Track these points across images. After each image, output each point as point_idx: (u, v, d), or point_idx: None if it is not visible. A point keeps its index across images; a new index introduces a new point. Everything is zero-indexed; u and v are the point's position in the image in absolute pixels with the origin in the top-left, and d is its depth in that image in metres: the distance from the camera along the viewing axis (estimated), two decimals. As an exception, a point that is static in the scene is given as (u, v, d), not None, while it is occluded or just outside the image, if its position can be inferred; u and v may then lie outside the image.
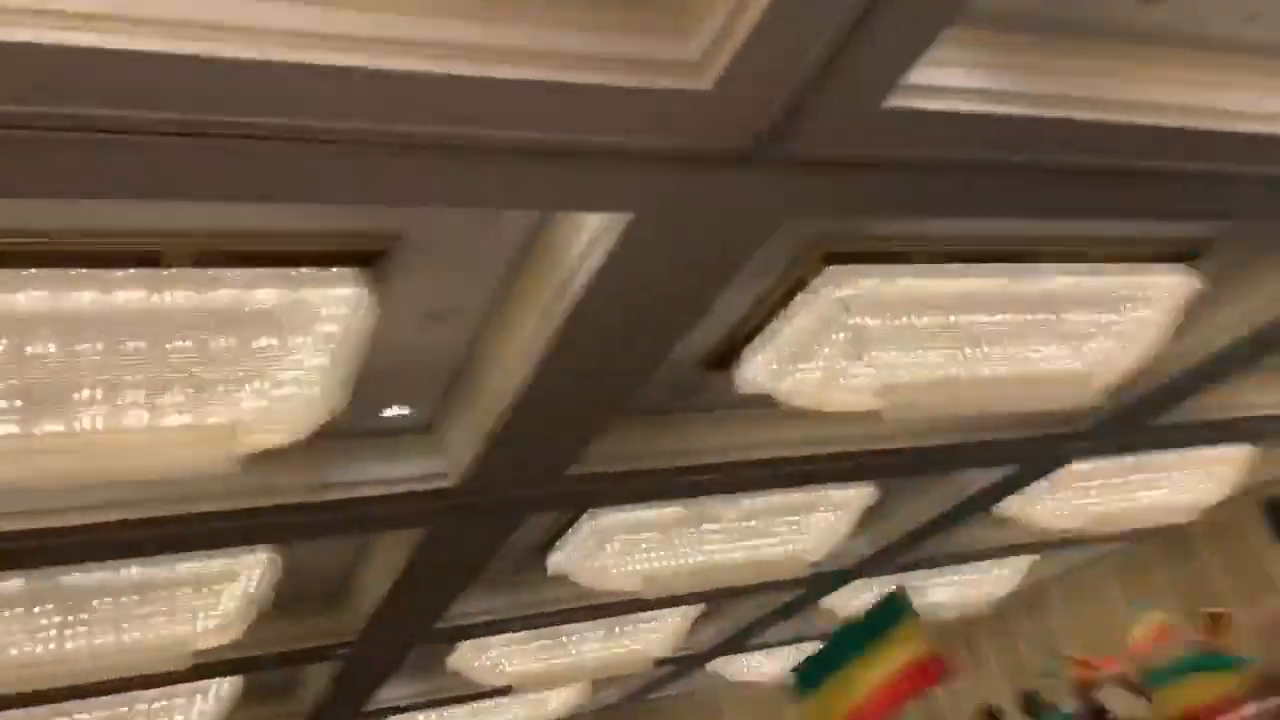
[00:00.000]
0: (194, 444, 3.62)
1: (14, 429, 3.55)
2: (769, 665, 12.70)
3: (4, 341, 3.39)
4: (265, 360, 3.79)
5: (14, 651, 5.76)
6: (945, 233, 4.98)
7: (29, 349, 3.48)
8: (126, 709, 7.60)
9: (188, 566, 5.79)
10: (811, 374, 5.16)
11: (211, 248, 3.66)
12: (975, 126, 3.62)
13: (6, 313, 3.39)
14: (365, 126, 2.93)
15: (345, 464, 5.33)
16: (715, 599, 9.57)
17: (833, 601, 10.71)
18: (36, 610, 5.72)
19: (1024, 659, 13.11)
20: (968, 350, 5.15)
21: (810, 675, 6.89)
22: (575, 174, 3.37)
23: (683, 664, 11.81)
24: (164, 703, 7.81)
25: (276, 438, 4.04)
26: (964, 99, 3.51)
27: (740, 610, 10.77)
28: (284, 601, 6.70)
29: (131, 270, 3.51)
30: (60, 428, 3.56)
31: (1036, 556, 11.40)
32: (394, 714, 10.22)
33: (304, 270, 3.70)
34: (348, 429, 4.91)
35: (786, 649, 12.09)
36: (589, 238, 3.91)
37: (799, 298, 4.87)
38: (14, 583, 5.53)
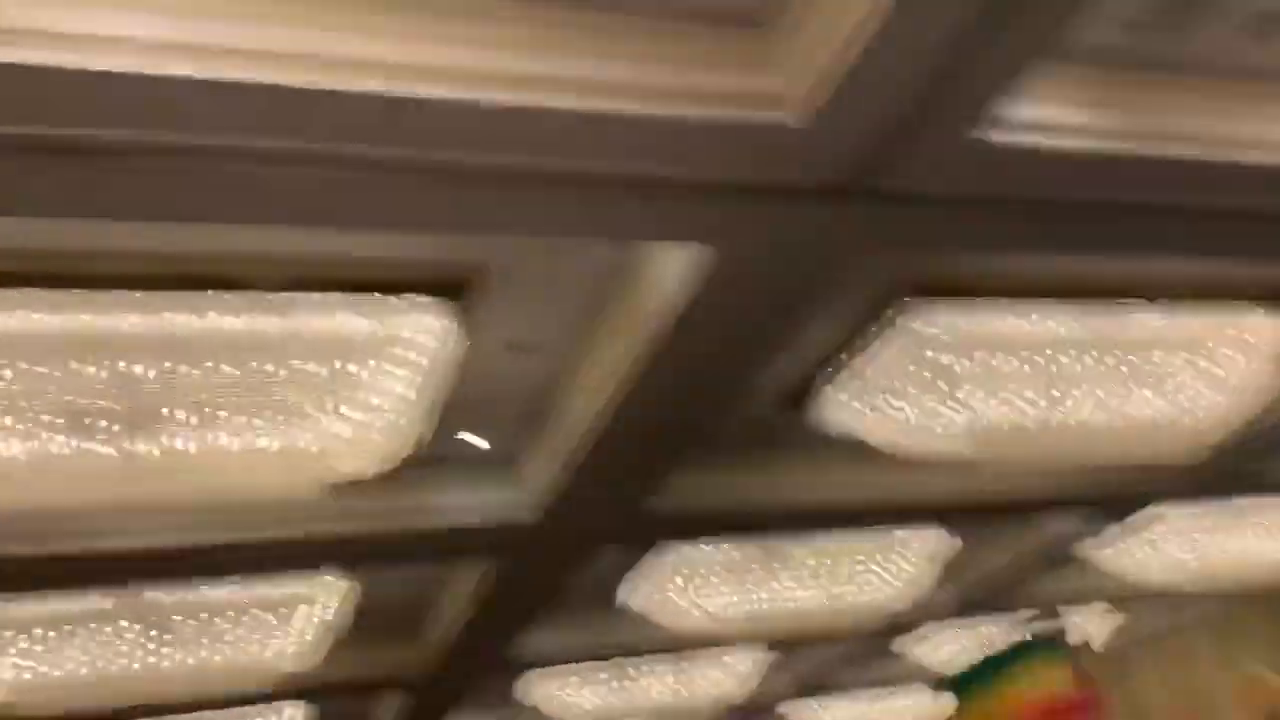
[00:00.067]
0: (286, 469, 3.67)
1: (112, 451, 3.63)
2: (842, 713, 12.42)
3: (106, 364, 3.47)
4: (354, 388, 3.82)
5: (88, 670, 5.85)
6: (1034, 270, 4.85)
7: (127, 371, 3.55)
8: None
9: (268, 590, 5.85)
10: (894, 414, 5.06)
11: (304, 274, 3.69)
12: (1073, 164, 3.53)
13: (108, 336, 3.46)
14: (459, 158, 2.96)
15: (424, 492, 5.34)
16: (787, 644, 9.39)
17: (910, 648, 10.46)
18: (117, 627, 5.82)
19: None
20: (1056, 393, 5.01)
21: (969, 680, 7.38)
22: (664, 206, 3.36)
23: (751, 709, 11.60)
24: (236, 725, 7.85)
25: (364, 465, 4.07)
26: (1064, 135, 3.43)
27: (815, 655, 10.57)
28: (360, 631, 6.74)
29: (226, 294, 3.56)
30: (155, 450, 3.62)
31: (1122, 616, 10.98)
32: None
33: (395, 299, 3.73)
34: (429, 457, 4.93)
35: (862, 693, 11.81)
36: (674, 270, 3.89)
37: (882, 335, 4.76)
38: (97, 600, 5.64)
